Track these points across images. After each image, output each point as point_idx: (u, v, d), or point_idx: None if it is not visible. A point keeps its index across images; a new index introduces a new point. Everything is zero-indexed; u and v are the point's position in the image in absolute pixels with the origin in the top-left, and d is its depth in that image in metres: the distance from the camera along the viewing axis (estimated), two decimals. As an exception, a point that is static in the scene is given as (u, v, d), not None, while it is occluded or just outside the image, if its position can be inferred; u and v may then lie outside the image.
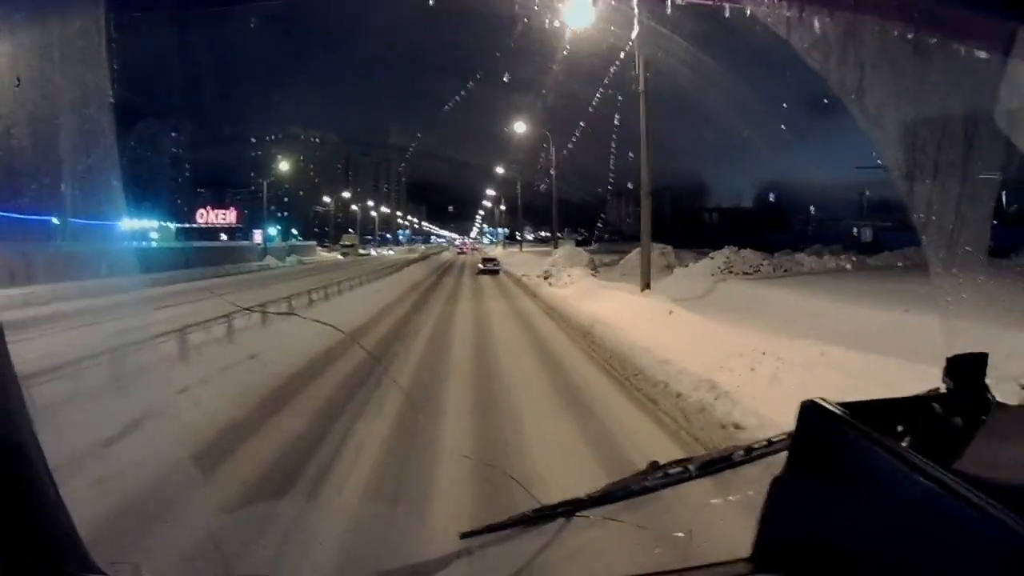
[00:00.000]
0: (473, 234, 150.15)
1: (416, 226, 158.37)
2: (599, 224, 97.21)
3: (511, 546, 1.80)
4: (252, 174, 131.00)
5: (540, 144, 52.19)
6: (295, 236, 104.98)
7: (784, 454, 1.52)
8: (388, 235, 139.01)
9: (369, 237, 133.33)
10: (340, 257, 69.75)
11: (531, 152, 61.13)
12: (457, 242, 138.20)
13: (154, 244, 58.44)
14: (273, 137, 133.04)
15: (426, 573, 1.73)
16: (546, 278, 33.19)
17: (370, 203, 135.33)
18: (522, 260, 51.84)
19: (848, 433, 1.28)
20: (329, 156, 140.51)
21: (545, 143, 49.71)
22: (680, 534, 2.43)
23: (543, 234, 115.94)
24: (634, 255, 34.80)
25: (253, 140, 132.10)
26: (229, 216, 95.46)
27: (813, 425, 1.38)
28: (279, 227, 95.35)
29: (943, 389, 1.59)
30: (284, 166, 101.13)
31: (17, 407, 1.11)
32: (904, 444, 1.41)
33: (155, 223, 75.52)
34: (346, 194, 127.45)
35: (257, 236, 74.99)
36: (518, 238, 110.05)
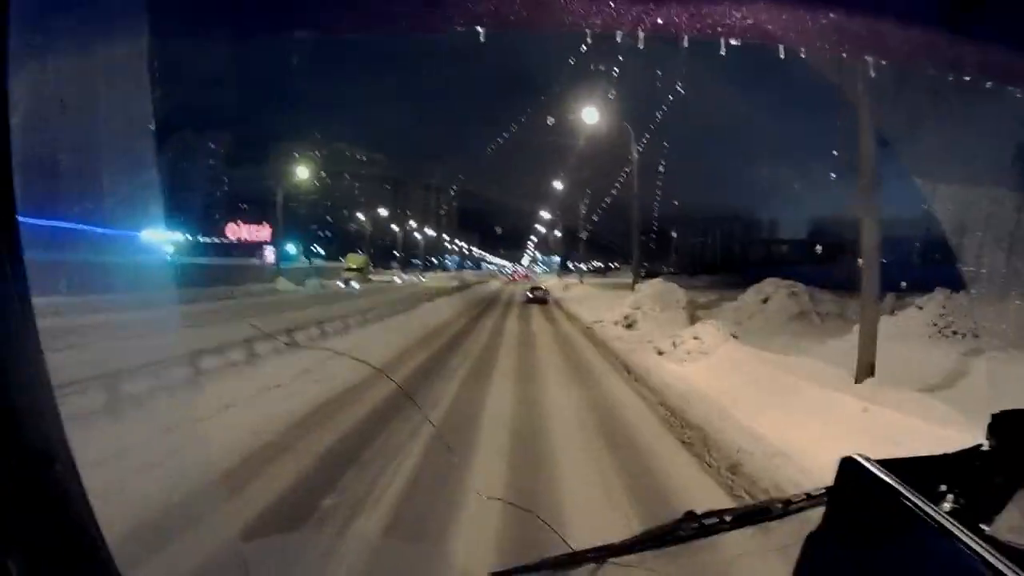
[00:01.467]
0: (525, 262, 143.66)
1: (465, 251, 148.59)
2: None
3: None
4: (294, 190, 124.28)
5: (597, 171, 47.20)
6: (318, 254, 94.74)
7: (821, 509, 1.50)
8: (434, 260, 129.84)
9: (418, 262, 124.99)
10: (341, 285, 52.44)
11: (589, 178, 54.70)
12: (508, 270, 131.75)
13: (168, 257, 49.04)
14: (318, 153, 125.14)
15: None
16: (628, 326, 22.27)
17: (412, 224, 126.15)
18: (584, 295, 41.27)
19: (885, 491, 1.23)
20: (376, 176, 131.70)
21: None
22: None
23: (596, 264, 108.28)
24: (750, 296, 23.80)
25: (296, 155, 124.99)
26: (263, 232, 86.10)
27: (851, 481, 1.34)
28: (299, 243, 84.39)
29: (986, 446, 1.51)
30: (303, 173, 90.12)
31: (50, 413, 1.06)
32: (943, 502, 1.37)
33: (179, 235, 65.83)
34: (383, 211, 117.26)
35: (268, 254, 63.45)
36: (571, 267, 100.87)
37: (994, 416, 1.49)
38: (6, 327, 1.00)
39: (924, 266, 23.94)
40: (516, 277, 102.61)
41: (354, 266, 64.50)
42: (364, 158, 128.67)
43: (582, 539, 2.17)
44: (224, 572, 3.45)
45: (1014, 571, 0.97)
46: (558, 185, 67.50)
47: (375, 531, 5.76)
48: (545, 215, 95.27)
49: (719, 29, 1.84)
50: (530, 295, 42.60)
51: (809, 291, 23.69)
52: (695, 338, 14.55)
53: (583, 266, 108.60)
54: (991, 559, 1.00)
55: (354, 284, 52.95)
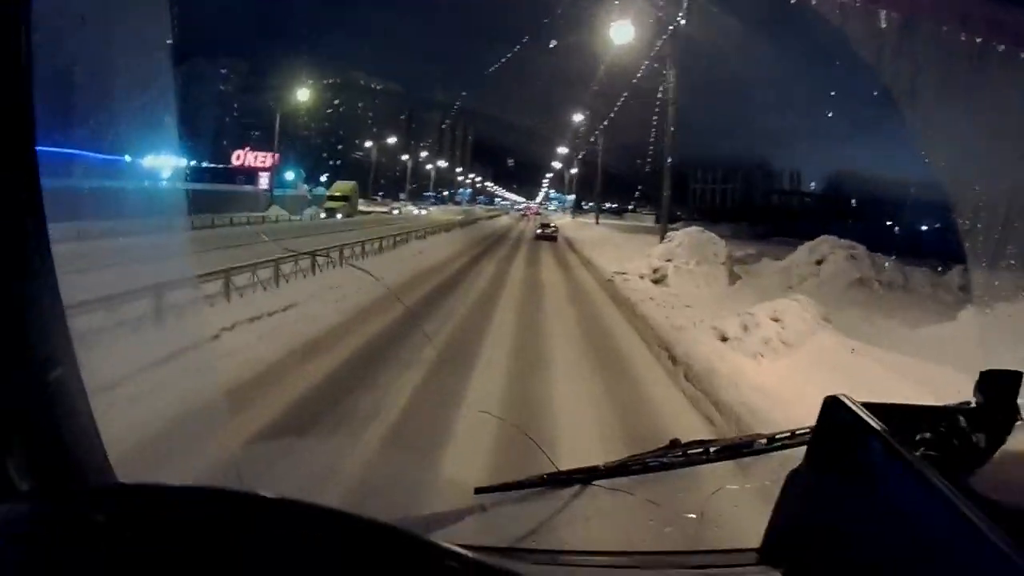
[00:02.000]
0: (539, 199, 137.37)
1: (479, 186, 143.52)
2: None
3: (524, 507, 1.83)
4: (306, 118, 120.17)
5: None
6: (320, 182, 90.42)
7: (804, 448, 1.47)
8: (445, 193, 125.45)
9: (431, 194, 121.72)
10: (322, 216, 47.63)
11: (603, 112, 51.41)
12: (520, 206, 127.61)
13: (163, 183, 45.40)
14: (331, 82, 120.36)
15: (439, 525, 1.65)
16: (657, 280, 18.35)
17: (424, 155, 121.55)
18: (601, 237, 36.46)
19: (865, 433, 1.23)
20: (390, 107, 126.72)
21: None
22: (692, 515, 2.29)
23: (610, 205, 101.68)
24: (801, 256, 19.71)
25: (310, 81, 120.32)
26: (269, 159, 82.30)
27: (833, 421, 1.34)
28: (307, 171, 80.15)
29: (973, 403, 1.52)
30: (313, 100, 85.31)
31: (60, 333, 1.13)
32: (920, 452, 1.39)
33: (183, 161, 62.05)
34: (392, 140, 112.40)
35: (263, 180, 59.30)
36: (584, 207, 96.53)
37: (982, 374, 1.49)
38: (25, 251, 1.07)
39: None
40: (528, 213, 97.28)
41: (339, 194, 55.98)
42: (379, 87, 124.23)
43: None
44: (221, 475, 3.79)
45: (980, 517, 0.97)
46: (577, 117, 64.44)
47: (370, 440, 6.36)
48: (562, 151, 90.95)
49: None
50: (539, 231, 43.12)
51: (870, 255, 19.55)
52: (774, 319, 9.93)
53: (596, 206, 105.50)
54: (960, 506, 1.00)
55: (338, 215, 48.00)
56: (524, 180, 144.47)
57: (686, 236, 20.26)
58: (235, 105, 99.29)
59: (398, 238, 23.78)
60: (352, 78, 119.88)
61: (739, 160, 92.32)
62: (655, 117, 35.51)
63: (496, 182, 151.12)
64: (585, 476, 1.87)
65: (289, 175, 69.36)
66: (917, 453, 1.35)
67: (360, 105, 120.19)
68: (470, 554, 0.84)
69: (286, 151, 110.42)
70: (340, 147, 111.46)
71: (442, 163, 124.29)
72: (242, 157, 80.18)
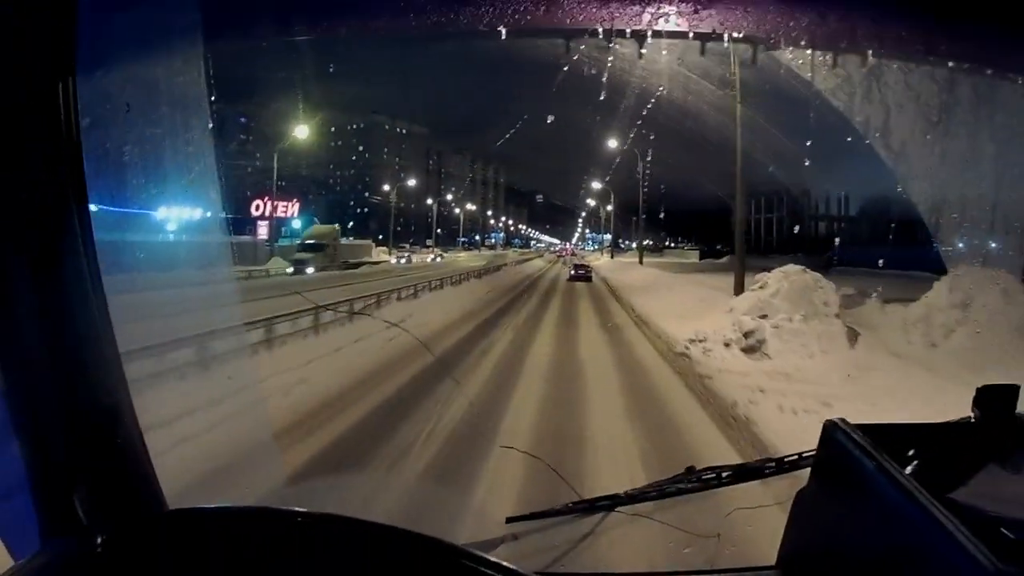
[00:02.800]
0: (574, 240, 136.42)
1: (512, 229, 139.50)
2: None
3: (553, 533, 1.91)
4: (331, 166, 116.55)
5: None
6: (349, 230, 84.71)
7: (810, 469, 1.54)
8: (477, 237, 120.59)
9: (464, 239, 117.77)
10: (288, 271, 37.25)
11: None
12: (556, 247, 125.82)
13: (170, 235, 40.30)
14: (355, 126, 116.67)
15: None
16: (750, 348, 11.92)
17: (454, 199, 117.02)
18: (650, 282, 29.15)
19: (861, 454, 1.30)
20: (417, 150, 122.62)
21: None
22: (709, 537, 2.42)
23: (647, 242, 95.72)
24: (940, 297, 13.22)
25: (332, 129, 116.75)
26: (292, 208, 77.66)
27: (833, 444, 1.41)
28: (310, 217, 74.30)
29: (972, 418, 1.57)
30: (325, 141, 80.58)
31: (116, 371, 1.19)
32: (916, 468, 1.38)
33: (197, 212, 56.69)
34: (418, 183, 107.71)
35: (262, 229, 52.48)
36: (621, 245, 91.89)
37: (979, 390, 1.52)
38: (87, 306, 1.14)
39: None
40: (564, 254, 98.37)
41: (312, 241, 45.40)
42: (404, 130, 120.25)
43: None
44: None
45: (962, 531, 1.01)
46: (613, 145, 58.03)
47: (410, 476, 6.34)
48: (596, 185, 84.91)
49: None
50: (572, 272, 42.09)
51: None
52: None
53: (633, 244, 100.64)
54: (943, 519, 1.05)
55: (309, 269, 38.32)
56: (558, 221, 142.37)
57: (784, 279, 13.81)
58: (257, 154, 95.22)
59: (382, 296, 17.82)
60: (376, 122, 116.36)
61: (778, 186, 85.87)
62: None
63: (530, 224, 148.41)
64: (608, 503, 1.92)
65: (296, 223, 63.17)
66: (910, 470, 1.34)
67: (386, 150, 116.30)
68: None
69: (311, 199, 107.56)
70: (367, 194, 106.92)
71: (471, 207, 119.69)
72: (262, 207, 75.62)
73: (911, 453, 1.43)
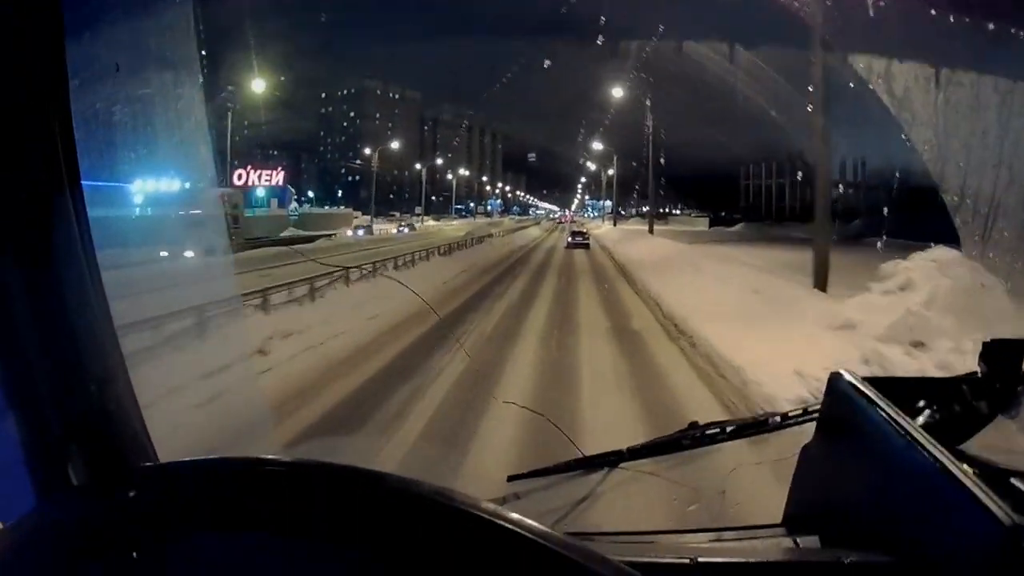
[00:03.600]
0: (574, 207, 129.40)
1: (510, 196, 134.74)
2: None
3: (555, 492, 1.85)
4: (321, 133, 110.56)
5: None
6: (309, 200, 77.30)
7: (815, 423, 1.52)
8: (471, 205, 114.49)
9: (460, 207, 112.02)
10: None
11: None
12: (556, 215, 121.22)
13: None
14: (346, 92, 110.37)
15: None
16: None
17: (448, 166, 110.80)
18: (673, 258, 22.10)
19: (868, 407, 1.26)
20: (410, 116, 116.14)
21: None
22: (714, 493, 2.41)
23: (645, 209, 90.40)
24: None
25: (323, 95, 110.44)
26: (275, 177, 71.35)
27: (838, 397, 1.37)
28: (275, 189, 67.91)
29: (979, 373, 1.54)
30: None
31: (107, 330, 1.19)
32: (924, 420, 1.39)
33: (175, 184, 50.72)
34: (395, 144, 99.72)
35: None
36: (622, 213, 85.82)
37: (985, 344, 1.49)
38: (79, 273, 1.13)
39: None
40: (564, 220, 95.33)
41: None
42: (397, 95, 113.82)
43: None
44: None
45: (975, 482, 0.99)
46: (611, 100, 51.37)
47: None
48: (597, 146, 78.40)
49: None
50: (570, 240, 39.55)
51: None
52: None
53: (633, 212, 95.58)
54: (954, 470, 1.03)
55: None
56: (558, 188, 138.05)
57: (939, 273, 7.79)
58: (245, 123, 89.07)
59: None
60: (368, 87, 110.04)
61: (791, 150, 79.52)
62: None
63: (529, 192, 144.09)
64: (611, 460, 1.87)
65: (259, 191, 56.64)
66: (918, 422, 1.31)
67: (378, 115, 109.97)
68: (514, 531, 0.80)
69: (300, 168, 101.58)
70: (358, 161, 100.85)
71: (464, 172, 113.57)
72: (244, 176, 69.33)
73: (918, 406, 1.41)
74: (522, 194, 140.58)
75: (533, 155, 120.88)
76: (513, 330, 11.40)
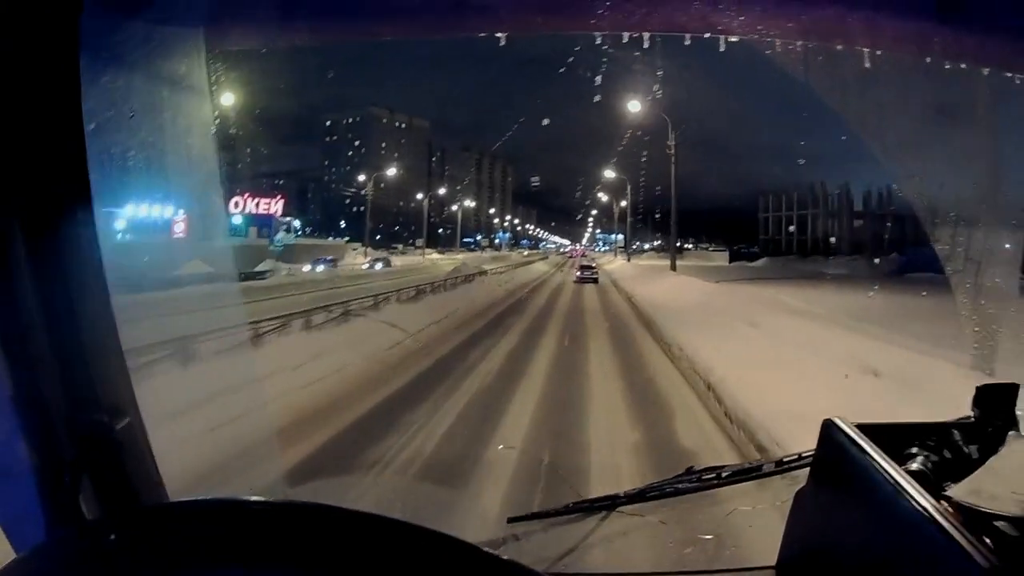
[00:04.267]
0: (585, 240, 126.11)
1: (520, 229, 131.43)
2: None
3: (554, 533, 1.87)
4: (326, 162, 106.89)
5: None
6: (300, 230, 71.76)
7: (809, 469, 1.52)
8: (478, 238, 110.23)
9: (470, 240, 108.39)
10: None
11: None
12: (566, 249, 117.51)
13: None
14: (351, 120, 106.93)
15: None
16: None
17: (456, 198, 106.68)
18: (706, 304, 17.04)
19: (858, 453, 1.27)
20: (418, 146, 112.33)
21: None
22: (709, 537, 2.44)
23: (657, 243, 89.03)
24: None
25: (328, 124, 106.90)
26: (274, 206, 66.84)
27: (831, 443, 1.37)
28: (309, 219, 63.94)
29: (972, 418, 1.47)
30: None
31: (119, 364, 1.21)
32: (913, 466, 1.32)
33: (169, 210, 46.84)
34: (395, 171, 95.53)
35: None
36: (634, 247, 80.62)
37: (979, 389, 1.44)
38: (91, 303, 1.15)
39: None
40: (575, 255, 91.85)
41: None
42: (404, 124, 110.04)
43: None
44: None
45: (956, 527, 1.00)
46: (623, 145, 48.86)
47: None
48: (608, 174, 74.67)
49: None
50: (579, 275, 38.13)
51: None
52: None
53: (645, 245, 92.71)
54: (937, 516, 1.03)
55: None
56: (568, 222, 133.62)
57: None
58: (248, 151, 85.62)
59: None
60: (373, 115, 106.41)
61: (805, 183, 74.31)
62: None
63: (540, 225, 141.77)
64: (608, 503, 1.89)
65: (236, 219, 51.96)
66: (910, 468, 1.29)
67: (384, 145, 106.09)
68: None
69: (307, 197, 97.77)
70: (363, 192, 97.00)
71: (470, 203, 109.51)
72: (241, 204, 64.81)
73: (910, 452, 1.38)
74: (531, 227, 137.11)
75: (537, 180, 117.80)
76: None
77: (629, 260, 55.29)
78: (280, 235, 51.91)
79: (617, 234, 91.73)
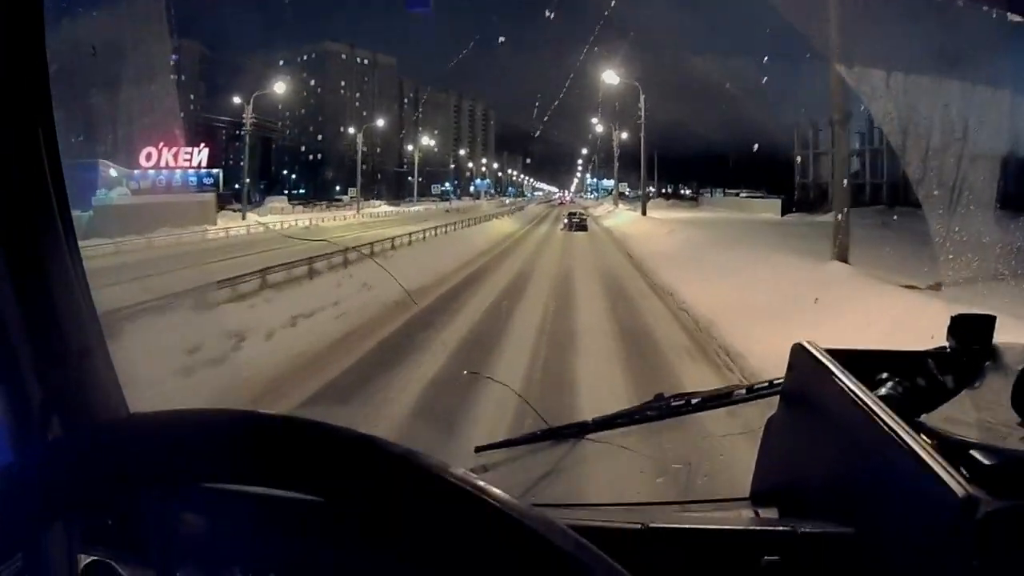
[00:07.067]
0: (573, 187, 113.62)
1: (501, 176, 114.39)
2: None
3: (522, 463, 1.79)
4: (279, 106, 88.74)
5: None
6: (209, 185, 54.35)
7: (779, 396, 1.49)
8: (446, 186, 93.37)
9: (448, 189, 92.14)
10: None
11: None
12: (555, 196, 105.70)
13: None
14: (305, 58, 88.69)
15: None
16: None
17: (427, 143, 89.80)
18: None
19: (828, 378, 1.23)
20: (385, 86, 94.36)
21: None
22: (680, 466, 2.36)
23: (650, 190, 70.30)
24: None
25: (281, 63, 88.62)
26: (197, 156, 49.45)
27: (800, 368, 1.35)
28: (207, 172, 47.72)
29: (948, 348, 1.41)
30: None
31: (80, 285, 1.18)
32: (886, 394, 1.27)
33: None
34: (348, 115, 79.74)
35: None
36: (627, 194, 66.23)
37: (953, 319, 1.41)
38: (59, 253, 1.12)
39: None
40: (563, 201, 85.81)
41: None
42: (366, 60, 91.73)
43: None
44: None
45: (931, 454, 0.97)
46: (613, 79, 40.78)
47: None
48: (596, 125, 62.63)
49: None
50: (567, 222, 35.39)
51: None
52: None
53: (630, 191, 75.07)
54: (911, 442, 1.01)
55: None
56: (556, 168, 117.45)
57: None
58: (191, 97, 68.17)
59: None
60: (331, 51, 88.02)
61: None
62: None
63: (526, 172, 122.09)
64: (577, 430, 1.80)
65: (112, 172, 36.11)
66: (881, 394, 1.25)
67: (343, 84, 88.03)
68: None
69: (251, 149, 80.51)
70: (320, 138, 79.88)
71: (429, 142, 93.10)
72: (155, 155, 47.30)
73: (882, 377, 1.33)
74: (517, 175, 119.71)
75: (536, 138, 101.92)
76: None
77: (616, 205, 38.54)
78: (103, 192, 34.09)
79: (603, 180, 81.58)
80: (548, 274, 18.15)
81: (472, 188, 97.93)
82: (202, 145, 49.35)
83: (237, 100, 56.03)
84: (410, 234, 21.82)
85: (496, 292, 14.67)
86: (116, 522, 0.85)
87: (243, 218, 38.52)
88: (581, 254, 23.96)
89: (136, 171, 40.11)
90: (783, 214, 40.18)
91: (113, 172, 37.13)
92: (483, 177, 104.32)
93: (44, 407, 1.06)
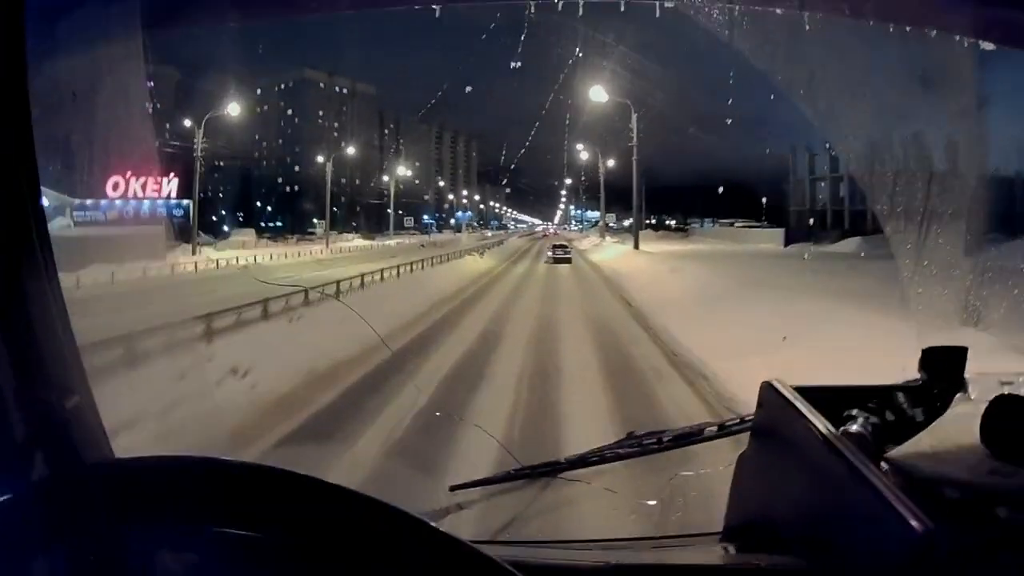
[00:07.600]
0: (557, 219, 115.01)
1: (483, 208, 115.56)
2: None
3: (496, 501, 1.80)
4: (256, 136, 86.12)
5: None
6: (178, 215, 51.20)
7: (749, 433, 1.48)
8: (425, 219, 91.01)
9: (430, 222, 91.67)
10: None
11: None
12: (539, 228, 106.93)
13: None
14: (284, 86, 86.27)
15: None
16: None
17: (409, 173, 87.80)
18: None
19: (795, 416, 1.21)
20: (364, 115, 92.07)
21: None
22: (653, 502, 2.36)
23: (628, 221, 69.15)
24: None
25: (259, 91, 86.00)
26: (167, 186, 46.42)
27: (769, 405, 1.33)
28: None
29: (918, 381, 1.42)
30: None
31: (63, 325, 1.13)
32: (856, 431, 1.27)
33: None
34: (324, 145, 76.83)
35: None
36: (612, 225, 67.76)
37: (924, 351, 1.40)
38: (38, 286, 1.08)
39: None
40: (547, 234, 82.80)
41: None
42: (345, 89, 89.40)
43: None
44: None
45: (891, 489, 0.96)
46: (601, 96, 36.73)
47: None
48: (581, 151, 60.73)
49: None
50: (551, 254, 34.64)
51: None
52: None
53: (626, 223, 74.61)
54: (873, 478, 1.00)
55: None
56: (539, 200, 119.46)
57: None
58: (167, 125, 65.43)
59: None
60: (309, 79, 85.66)
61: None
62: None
63: (509, 203, 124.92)
64: (550, 469, 1.79)
65: (47, 201, 32.29)
66: (850, 430, 1.25)
67: (320, 113, 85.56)
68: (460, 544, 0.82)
69: (225, 179, 77.50)
70: (297, 169, 76.96)
71: (405, 172, 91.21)
72: (122, 185, 44.43)
73: (851, 413, 1.32)
74: (499, 206, 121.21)
75: (518, 172, 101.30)
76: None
77: (637, 247, 32.59)
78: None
79: (589, 212, 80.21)
80: (519, 339, 12.78)
81: (453, 221, 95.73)
82: (171, 175, 46.80)
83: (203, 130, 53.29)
84: (361, 275, 18.83)
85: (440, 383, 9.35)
86: (99, 561, 0.82)
87: (193, 253, 35.40)
88: (567, 312, 17.14)
89: (77, 200, 36.81)
90: (786, 244, 37.71)
91: (48, 201, 33.90)
92: (464, 209, 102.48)
93: (27, 447, 1.01)
